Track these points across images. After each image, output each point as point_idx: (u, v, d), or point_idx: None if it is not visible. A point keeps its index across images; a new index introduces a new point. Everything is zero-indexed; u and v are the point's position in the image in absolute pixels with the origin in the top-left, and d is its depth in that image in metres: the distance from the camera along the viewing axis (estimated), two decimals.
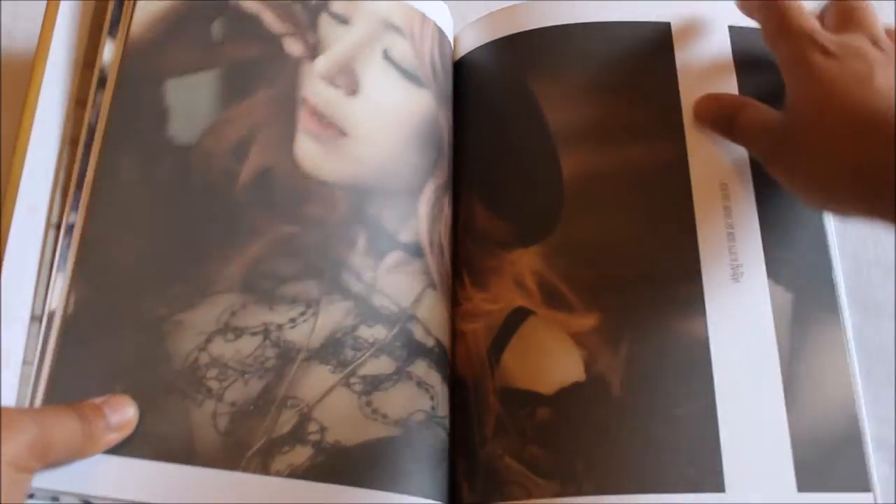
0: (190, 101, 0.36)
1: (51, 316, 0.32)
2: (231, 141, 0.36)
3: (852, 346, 0.36)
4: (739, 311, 0.36)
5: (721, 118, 0.38)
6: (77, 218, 0.34)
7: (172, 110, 0.36)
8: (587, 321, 0.36)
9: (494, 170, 0.41)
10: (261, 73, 0.38)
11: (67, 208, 0.34)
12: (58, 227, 0.34)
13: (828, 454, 0.33)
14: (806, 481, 0.32)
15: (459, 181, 0.42)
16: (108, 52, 0.36)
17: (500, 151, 0.41)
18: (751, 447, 0.33)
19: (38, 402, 0.31)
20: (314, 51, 0.39)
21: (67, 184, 0.34)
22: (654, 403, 0.34)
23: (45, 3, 0.36)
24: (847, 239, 0.40)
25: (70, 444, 0.29)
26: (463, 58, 0.44)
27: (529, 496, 0.34)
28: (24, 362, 0.32)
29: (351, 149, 0.38)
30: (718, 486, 0.32)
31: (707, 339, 0.35)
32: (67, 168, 0.34)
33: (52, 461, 0.28)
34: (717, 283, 0.36)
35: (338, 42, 0.39)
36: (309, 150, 0.37)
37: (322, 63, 0.39)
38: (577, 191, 0.39)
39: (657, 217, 0.38)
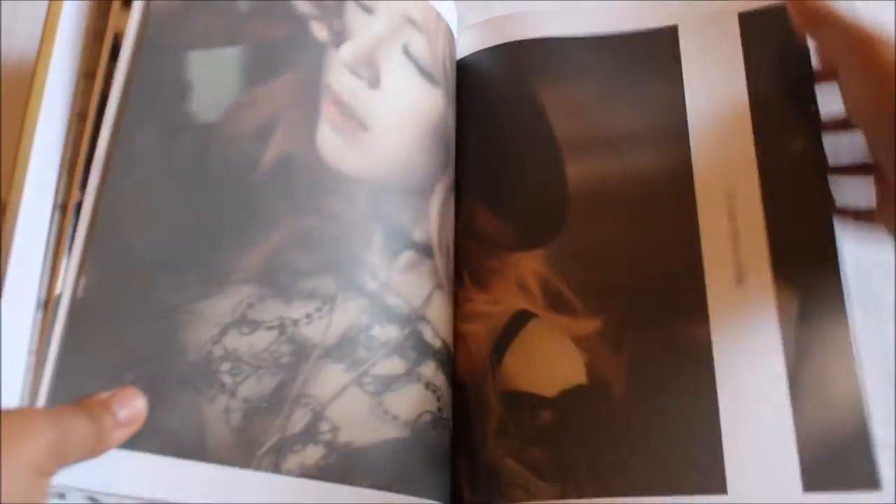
0: (213, 77, 0.34)
1: (56, 301, 0.30)
2: (254, 123, 0.34)
3: (859, 342, 0.35)
4: (742, 315, 0.36)
5: None
6: (87, 195, 0.31)
7: (195, 85, 0.34)
8: (590, 325, 0.37)
9: (498, 173, 0.41)
10: (287, 55, 0.36)
11: (75, 186, 0.31)
12: (63, 208, 0.31)
13: (835, 453, 0.33)
14: (812, 481, 0.32)
15: (460, 182, 0.42)
16: (124, 19, 0.33)
17: (504, 156, 0.41)
18: (754, 449, 0.33)
19: (43, 393, 0.29)
20: (339, 38, 0.37)
21: (75, 161, 0.32)
22: (656, 406, 0.35)
23: (45, 3, 0.33)
24: (847, 241, 0.40)
25: (83, 444, 0.27)
26: (465, 59, 0.44)
27: (531, 498, 0.35)
28: (29, 352, 0.29)
29: (371, 144, 0.37)
30: (720, 488, 0.33)
31: (710, 342, 0.35)
32: (75, 144, 0.32)
33: (68, 463, 0.27)
34: (719, 287, 0.36)
35: (362, 31, 0.38)
36: (331, 141, 0.36)
37: (347, 51, 0.37)
38: (582, 197, 0.39)
39: (660, 223, 0.38)
